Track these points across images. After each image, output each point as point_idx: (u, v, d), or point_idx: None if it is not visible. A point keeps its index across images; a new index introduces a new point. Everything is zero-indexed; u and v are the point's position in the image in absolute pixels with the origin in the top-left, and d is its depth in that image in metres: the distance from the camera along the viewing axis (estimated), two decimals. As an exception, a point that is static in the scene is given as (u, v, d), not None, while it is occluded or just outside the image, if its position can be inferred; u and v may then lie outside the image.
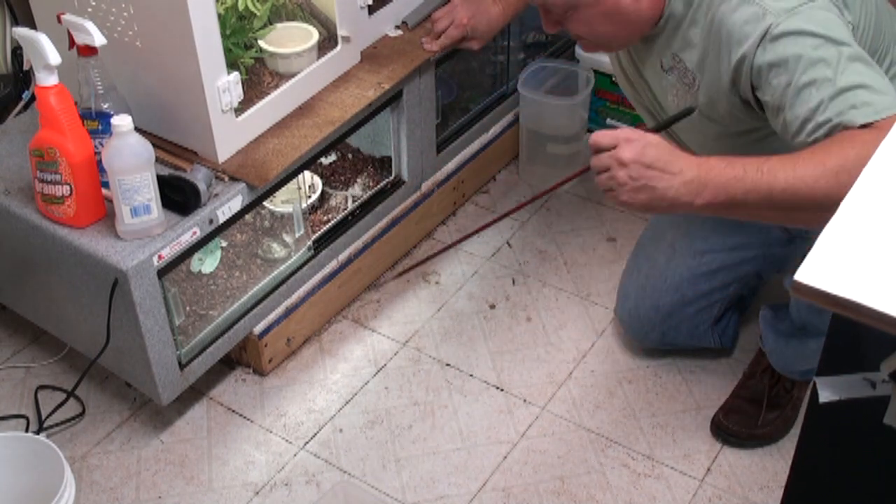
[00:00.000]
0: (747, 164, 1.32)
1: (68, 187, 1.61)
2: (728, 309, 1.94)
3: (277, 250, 1.96)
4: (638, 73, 1.66)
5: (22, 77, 2.03)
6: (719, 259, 1.85)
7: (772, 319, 1.81)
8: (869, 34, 1.49)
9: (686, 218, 1.87)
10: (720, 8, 1.42)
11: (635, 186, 1.34)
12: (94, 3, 1.67)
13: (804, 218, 1.34)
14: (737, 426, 1.83)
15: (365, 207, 2.07)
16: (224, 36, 1.70)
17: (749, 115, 1.49)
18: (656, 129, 1.46)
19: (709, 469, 1.80)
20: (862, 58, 1.35)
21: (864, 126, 1.29)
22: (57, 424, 1.88)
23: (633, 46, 1.60)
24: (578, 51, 2.46)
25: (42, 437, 1.63)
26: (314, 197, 2.05)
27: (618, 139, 1.35)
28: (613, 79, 2.45)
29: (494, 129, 2.40)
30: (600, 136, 1.37)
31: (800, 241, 1.70)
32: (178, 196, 1.66)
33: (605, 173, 1.36)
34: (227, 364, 1.99)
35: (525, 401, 1.93)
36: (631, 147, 1.33)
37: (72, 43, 1.61)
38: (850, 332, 0.97)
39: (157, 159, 1.63)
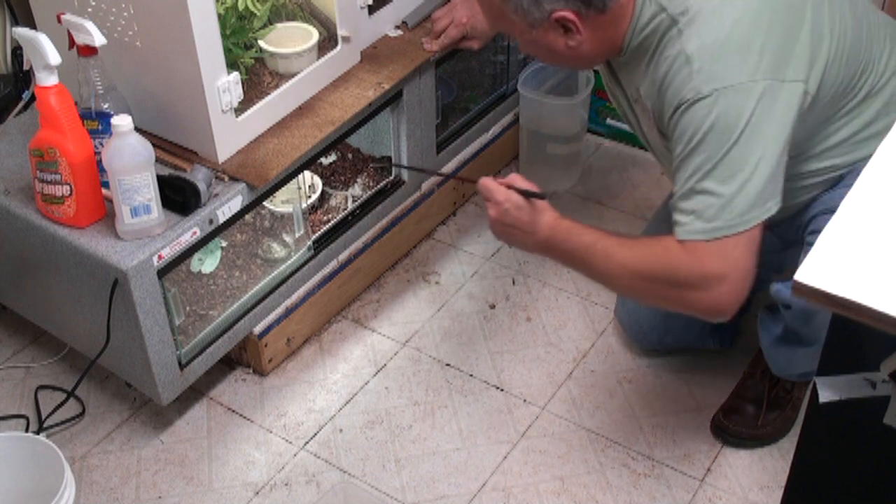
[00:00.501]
0: (594, 241, 1.49)
1: (68, 187, 1.61)
2: None
3: (277, 250, 1.96)
4: (616, 88, 1.66)
5: (22, 77, 2.03)
6: None
7: (768, 323, 1.81)
8: (841, 62, 1.46)
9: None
10: (668, 59, 1.42)
11: (497, 230, 1.59)
12: (94, 3, 1.67)
13: (618, 293, 1.60)
14: (737, 426, 1.83)
15: (365, 207, 2.07)
16: (224, 36, 1.70)
17: None
18: (525, 193, 1.56)
19: (709, 469, 1.80)
20: (744, 158, 1.35)
21: (681, 241, 1.40)
22: (57, 424, 1.88)
23: (612, 67, 1.61)
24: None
25: (42, 437, 1.63)
26: (314, 197, 2.05)
27: (490, 197, 1.55)
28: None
29: (494, 129, 2.40)
30: (487, 187, 1.57)
31: (794, 248, 1.70)
32: (178, 196, 1.66)
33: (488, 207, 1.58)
34: (227, 364, 1.99)
35: (525, 401, 1.93)
36: (495, 208, 1.55)
37: (72, 43, 1.61)
38: (850, 332, 0.97)
39: (157, 159, 1.63)
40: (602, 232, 1.50)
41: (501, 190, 1.54)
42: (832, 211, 1.54)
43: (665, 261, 1.41)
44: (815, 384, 1.01)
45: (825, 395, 1.00)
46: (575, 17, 1.42)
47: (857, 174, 1.54)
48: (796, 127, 1.40)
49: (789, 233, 1.66)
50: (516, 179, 1.55)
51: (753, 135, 1.36)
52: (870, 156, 1.54)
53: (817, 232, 1.52)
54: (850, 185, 1.52)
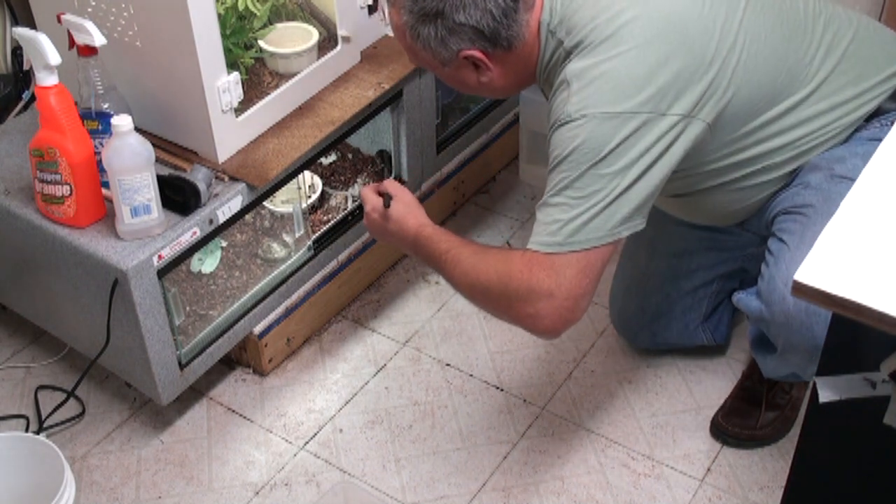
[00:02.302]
0: (450, 251, 1.51)
1: (68, 187, 1.61)
2: (719, 304, 1.94)
3: (277, 250, 1.96)
4: None
5: (22, 77, 2.03)
6: (696, 259, 1.85)
7: (753, 328, 1.80)
8: (753, 84, 1.45)
9: (662, 216, 1.85)
10: (558, 81, 1.44)
11: (373, 232, 1.65)
12: (94, 3, 1.67)
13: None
14: (736, 427, 1.82)
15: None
16: (224, 36, 1.70)
17: None
18: (386, 200, 1.62)
19: (709, 469, 1.80)
20: (594, 187, 1.36)
21: (525, 250, 1.41)
22: (57, 424, 1.88)
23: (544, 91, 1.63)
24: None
25: (42, 437, 1.64)
26: (314, 197, 2.05)
27: (373, 203, 1.61)
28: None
29: (494, 129, 2.40)
30: (361, 195, 1.66)
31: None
32: (178, 196, 1.66)
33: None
34: (227, 364, 1.99)
35: (525, 401, 1.93)
36: (365, 216, 1.63)
37: (72, 43, 1.61)
38: (850, 332, 0.97)
39: (157, 159, 1.63)
40: (462, 241, 1.52)
41: (370, 200, 1.61)
42: (787, 212, 1.56)
43: (501, 270, 1.42)
44: (815, 384, 1.01)
45: (825, 395, 1.00)
46: (482, 55, 1.45)
47: (807, 171, 1.55)
48: (681, 156, 1.41)
49: (760, 228, 1.67)
50: (388, 185, 1.62)
51: (615, 163, 1.36)
52: (814, 149, 1.55)
53: (775, 237, 1.55)
54: (802, 184, 1.53)
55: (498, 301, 1.45)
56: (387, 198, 1.60)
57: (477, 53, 1.44)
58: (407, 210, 1.59)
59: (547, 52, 1.46)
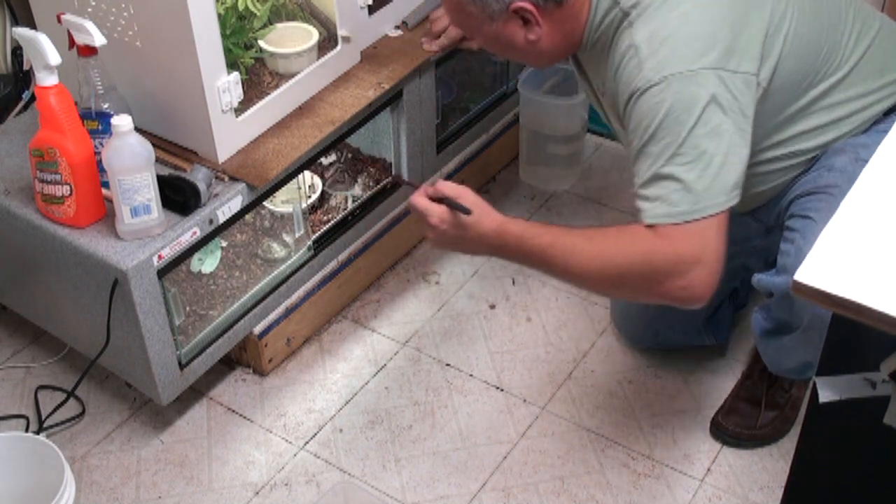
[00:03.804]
0: (540, 243, 1.42)
1: (68, 187, 1.61)
2: (721, 304, 1.94)
3: (277, 250, 1.96)
4: (585, 84, 1.67)
5: (22, 77, 2.03)
6: None
7: (760, 320, 1.81)
8: (800, 55, 1.47)
9: None
10: (620, 51, 1.43)
11: (438, 243, 1.51)
12: (94, 3, 1.67)
13: (584, 289, 1.51)
14: (736, 427, 1.83)
15: (365, 207, 2.07)
16: (224, 36, 1.70)
17: None
18: (453, 205, 1.48)
19: (709, 469, 1.80)
20: (703, 147, 1.34)
21: (649, 226, 1.36)
22: (57, 424, 1.88)
23: (578, 60, 1.61)
24: (578, 51, 2.46)
25: (42, 437, 1.64)
26: (314, 197, 2.05)
27: (424, 221, 1.48)
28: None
29: (494, 129, 2.40)
30: (419, 209, 1.49)
31: (777, 231, 1.70)
32: (178, 196, 1.66)
33: (424, 220, 1.50)
34: (227, 364, 1.99)
35: (525, 401, 1.93)
36: (432, 231, 1.49)
37: (72, 43, 1.61)
38: (850, 332, 0.97)
39: (157, 159, 1.63)
40: (559, 229, 1.45)
41: (434, 211, 1.47)
42: (810, 193, 1.56)
43: (637, 250, 1.37)
44: (815, 384, 1.02)
45: (825, 395, 1.00)
46: (533, 7, 1.43)
47: (831, 155, 1.56)
48: (752, 117, 1.40)
49: (770, 217, 1.67)
50: (445, 189, 1.48)
51: (710, 120, 1.35)
52: (839, 137, 1.55)
53: (798, 216, 1.54)
54: (825, 167, 1.54)
55: (641, 282, 1.38)
56: (453, 204, 1.45)
57: (528, 5, 1.42)
58: (480, 211, 1.47)
59: (598, 13, 1.45)
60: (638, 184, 1.40)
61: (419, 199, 1.49)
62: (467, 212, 1.45)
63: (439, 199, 1.47)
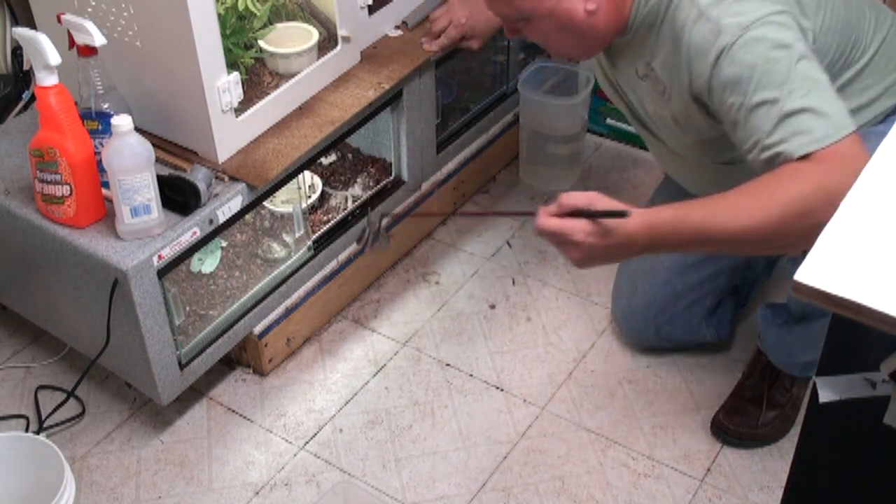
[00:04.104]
0: (692, 219, 1.33)
1: (68, 187, 1.61)
2: (722, 300, 1.94)
3: (277, 250, 1.96)
4: (615, 77, 1.66)
5: (22, 77, 2.03)
6: None
7: (772, 315, 1.81)
8: (836, 30, 1.48)
9: None
10: (682, 22, 1.42)
11: (585, 262, 1.39)
12: (94, 3, 1.67)
13: (735, 251, 1.38)
14: (737, 426, 1.83)
15: (365, 207, 2.07)
16: (224, 36, 1.70)
17: (715, 125, 1.50)
18: (594, 214, 1.36)
19: (709, 469, 1.80)
20: (812, 75, 1.34)
21: (803, 157, 1.31)
22: (57, 424, 1.88)
23: (609, 51, 1.60)
24: (578, 51, 2.46)
25: (42, 437, 1.63)
26: (314, 197, 2.05)
27: (565, 240, 1.35)
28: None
29: (494, 129, 2.40)
30: (556, 230, 1.36)
31: None
32: (178, 196, 1.66)
33: (561, 242, 1.38)
34: (227, 364, 1.99)
35: (525, 401, 1.93)
36: (577, 249, 1.36)
37: (72, 43, 1.61)
38: (850, 332, 0.97)
39: (157, 159, 1.63)
40: (704, 201, 1.34)
41: (576, 227, 1.33)
42: None
43: (795, 186, 1.28)
44: (815, 384, 1.01)
45: (825, 395, 1.00)
46: None
47: None
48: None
49: None
50: (577, 200, 1.36)
51: (804, 52, 1.34)
52: (861, 126, 1.55)
53: None
54: None
55: (818, 213, 1.25)
56: (596, 213, 1.32)
57: None
58: (610, 253, 1.36)
59: None
60: (762, 136, 1.34)
61: (551, 221, 1.35)
62: (623, 214, 1.32)
63: (570, 215, 1.35)
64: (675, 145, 1.66)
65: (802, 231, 1.27)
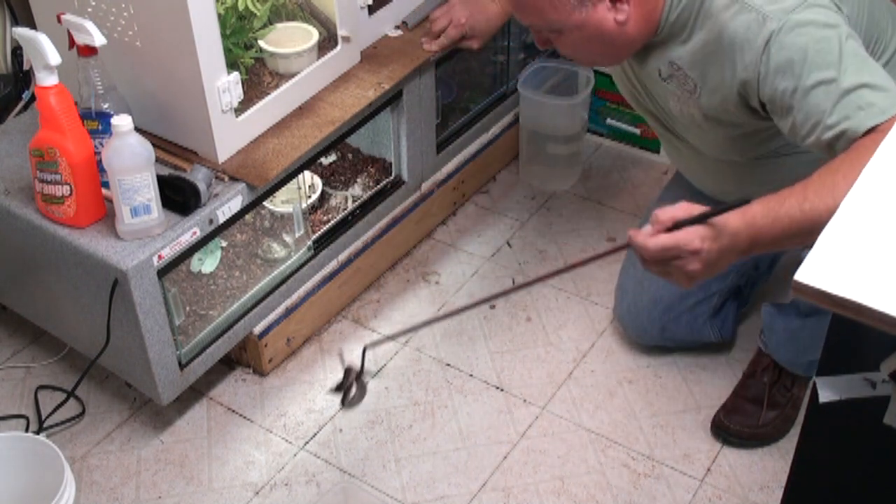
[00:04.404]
0: (792, 209, 1.27)
1: (68, 187, 1.61)
2: (726, 301, 1.94)
3: (277, 250, 1.96)
4: (636, 77, 1.66)
5: (22, 77, 2.03)
6: None
7: (777, 313, 1.81)
8: (863, 23, 1.49)
9: None
10: (719, 16, 1.42)
11: (707, 272, 1.29)
12: (94, 3, 1.67)
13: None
14: (738, 426, 1.83)
15: (365, 207, 2.07)
16: (224, 36, 1.70)
17: (754, 118, 1.49)
18: (702, 218, 1.29)
19: (709, 469, 1.80)
20: (860, 53, 1.35)
21: (869, 130, 1.30)
22: (57, 424, 1.88)
23: (637, 53, 1.60)
24: (578, 51, 2.46)
25: (42, 437, 1.63)
26: (314, 197, 2.05)
27: (682, 253, 1.26)
28: (614, 79, 2.45)
29: (494, 129, 2.40)
30: (670, 245, 1.27)
31: None
32: (178, 196, 1.66)
33: (668, 262, 1.28)
34: (227, 364, 1.99)
35: (525, 401, 1.93)
36: (695, 259, 1.26)
37: (72, 43, 1.61)
38: (850, 332, 0.97)
39: (157, 159, 1.63)
40: (790, 191, 1.28)
41: (690, 235, 1.25)
42: None
43: (870, 154, 1.22)
44: (815, 384, 1.02)
45: (825, 395, 1.00)
46: None
47: None
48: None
49: None
50: (676, 211, 1.28)
51: (849, 31, 1.35)
52: None
53: None
54: None
55: None
56: (694, 220, 1.26)
57: None
58: (721, 260, 1.28)
59: None
60: (822, 116, 1.33)
61: (660, 239, 1.26)
62: (745, 202, 1.27)
63: (670, 230, 1.27)
64: (700, 144, 1.65)
65: None
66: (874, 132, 1.30)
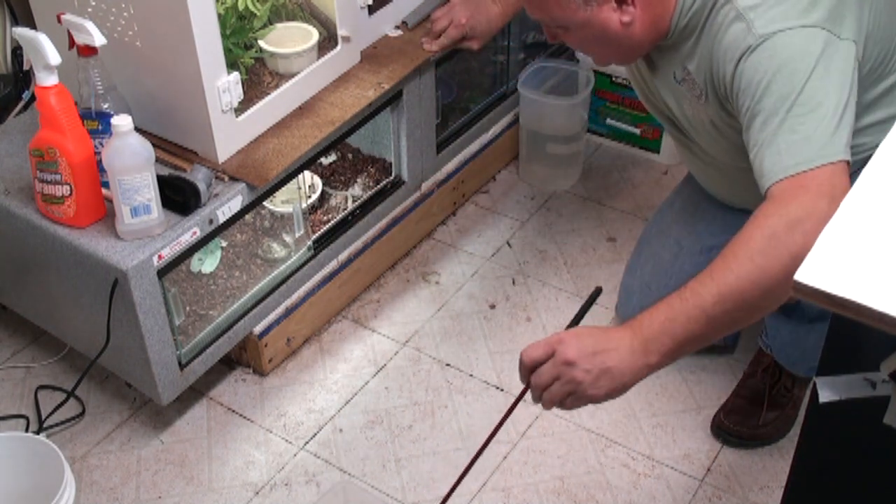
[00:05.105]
0: (670, 301, 1.28)
1: (68, 187, 1.61)
2: None
3: (277, 250, 1.96)
4: (652, 79, 1.66)
5: (22, 77, 2.03)
6: None
7: (782, 316, 1.81)
8: (879, 39, 1.47)
9: (692, 214, 1.86)
10: (720, 23, 1.42)
11: (594, 377, 1.31)
12: (94, 3, 1.67)
13: (754, 312, 1.29)
14: (738, 426, 1.83)
15: (365, 207, 2.07)
16: (224, 36, 1.70)
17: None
18: (573, 324, 1.37)
19: (709, 469, 1.80)
20: (817, 98, 1.31)
21: (778, 181, 1.29)
22: (57, 424, 1.88)
23: (649, 56, 1.60)
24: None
25: (42, 437, 1.63)
26: (314, 197, 2.05)
27: (551, 345, 1.30)
28: (614, 79, 2.46)
29: (494, 129, 2.40)
30: (532, 351, 1.32)
31: None
32: (178, 196, 1.66)
33: (556, 383, 1.31)
34: (227, 364, 1.99)
35: (525, 401, 1.92)
36: (569, 345, 1.29)
37: (72, 43, 1.61)
38: (850, 332, 0.97)
39: (157, 159, 1.63)
40: (686, 289, 1.28)
41: (552, 335, 1.32)
42: None
43: (766, 234, 1.23)
44: (815, 384, 1.01)
45: (825, 395, 1.00)
46: None
47: None
48: (856, 84, 1.37)
49: None
50: (536, 350, 1.32)
51: (823, 73, 1.32)
52: None
53: None
54: None
55: (791, 246, 1.22)
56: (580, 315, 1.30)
57: None
58: (593, 341, 1.30)
59: None
60: (756, 146, 1.34)
61: (530, 347, 1.32)
62: (597, 294, 1.32)
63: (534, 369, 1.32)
64: (712, 150, 1.65)
65: (785, 268, 1.22)
66: (793, 178, 1.28)
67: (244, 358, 1.99)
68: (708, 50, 1.45)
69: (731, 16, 1.40)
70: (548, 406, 1.35)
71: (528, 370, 1.34)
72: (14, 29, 1.66)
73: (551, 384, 1.32)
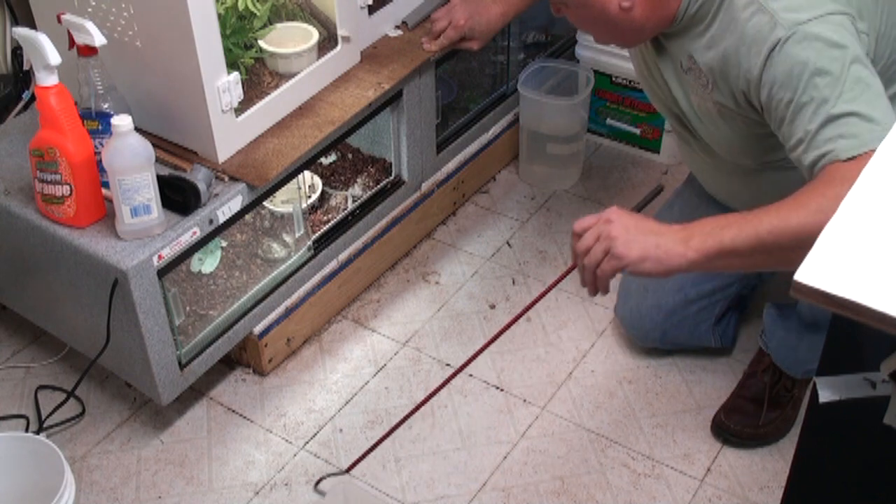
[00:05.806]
0: (729, 215, 1.34)
1: (68, 187, 1.61)
2: (729, 308, 1.94)
3: (277, 250, 1.96)
4: (657, 69, 1.65)
5: (22, 77, 2.03)
6: None
7: (779, 317, 1.81)
8: (892, 38, 1.47)
9: (691, 217, 1.86)
10: (737, 14, 1.42)
11: (630, 236, 1.37)
12: (94, 3, 1.67)
13: (792, 258, 1.32)
14: (738, 426, 1.83)
15: (365, 207, 2.07)
16: (224, 36, 1.70)
17: (760, 118, 1.49)
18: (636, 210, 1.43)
19: (709, 469, 1.80)
20: (864, 79, 1.33)
21: (848, 159, 1.30)
22: (57, 424, 1.88)
23: (654, 43, 1.60)
24: (579, 51, 2.46)
25: (42, 437, 1.63)
26: (314, 197, 2.05)
27: (600, 214, 1.39)
28: (614, 79, 2.46)
29: (494, 129, 2.40)
30: (582, 220, 1.42)
31: None
32: (178, 196, 1.66)
33: (596, 244, 1.39)
34: (227, 364, 1.99)
35: (525, 401, 1.93)
36: (615, 211, 1.39)
37: (72, 43, 1.61)
38: (850, 332, 0.97)
39: (157, 159, 1.63)
40: (741, 213, 1.34)
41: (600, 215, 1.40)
42: None
43: (839, 182, 1.26)
44: (814, 384, 1.02)
45: (825, 395, 1.00)
46: None
47: None
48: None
49: None
50: (585, 223, 1.43)
51: (858, 54, 1.33)
52: None
53: None
54: None
55: None
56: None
57: None
58: (642, 218, 1.39)
59: None
60: (807, 135, 1.34)
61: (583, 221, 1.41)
62: (659, 191, 1.42)
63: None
64: (715, 143, 1.65)
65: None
66: (852, 162, 1.29)
67: (244, 358, 1.99)
68: (725, 39, 1.44)
69: (752, 9, 1.39)
70: (589, 274, 1.41)
71: (577, 238, 1.41)
72: (14, 29, 1.66)
73: (593, 246, 1.39)
